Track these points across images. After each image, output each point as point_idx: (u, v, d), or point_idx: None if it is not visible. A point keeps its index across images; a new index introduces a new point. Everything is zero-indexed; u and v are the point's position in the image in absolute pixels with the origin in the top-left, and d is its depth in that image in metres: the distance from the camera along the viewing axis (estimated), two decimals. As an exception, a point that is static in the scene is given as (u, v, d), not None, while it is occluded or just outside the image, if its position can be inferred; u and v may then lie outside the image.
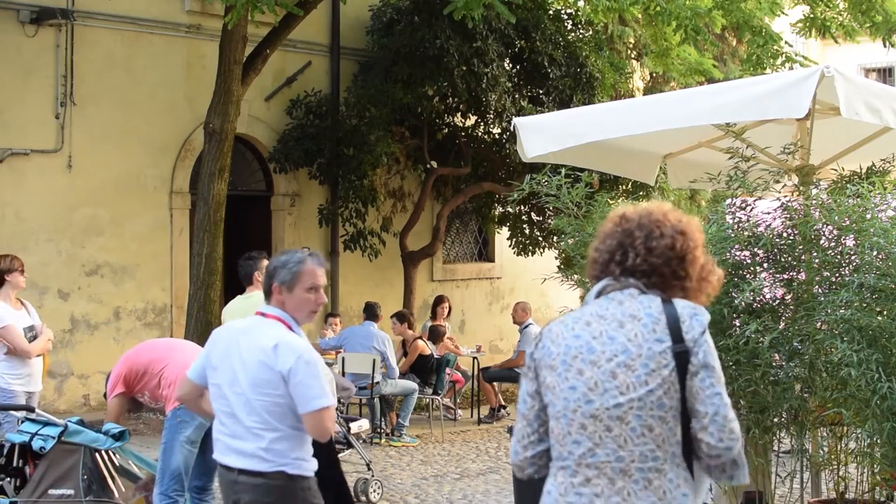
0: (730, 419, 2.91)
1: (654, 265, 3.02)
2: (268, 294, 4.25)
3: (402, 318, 12.50)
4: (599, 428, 2.89)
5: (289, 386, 4.08)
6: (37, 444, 6.15)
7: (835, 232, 5.63)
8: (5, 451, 6.37)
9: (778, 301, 5.76)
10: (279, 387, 4.09)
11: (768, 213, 5.79)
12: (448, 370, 12.58)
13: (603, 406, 2.89)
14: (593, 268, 3.13)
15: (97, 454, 6.21)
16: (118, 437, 6.30)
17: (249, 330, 4.25)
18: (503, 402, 13.43)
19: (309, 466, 4.21)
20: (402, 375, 11.77)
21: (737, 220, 5.83)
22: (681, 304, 2.98)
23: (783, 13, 13.17)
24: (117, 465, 6.34)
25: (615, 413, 2.88)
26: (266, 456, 4.12)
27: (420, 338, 12.39)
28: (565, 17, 14.79)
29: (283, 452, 4.13)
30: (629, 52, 16.86)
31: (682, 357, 2.89)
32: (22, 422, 6.44)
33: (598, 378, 2.91)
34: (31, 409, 6.61)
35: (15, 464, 6.25)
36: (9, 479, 6.23)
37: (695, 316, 2.97)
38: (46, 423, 6.31)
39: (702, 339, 2.94)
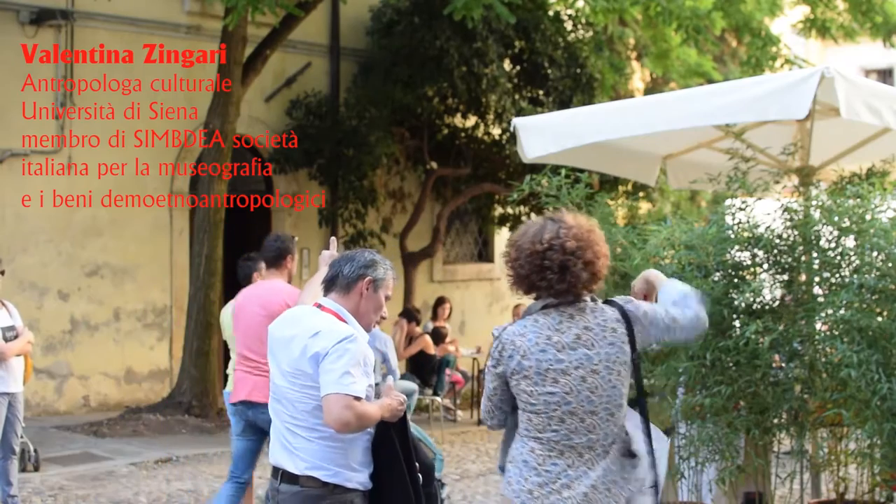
0: None
1: (589, 279, 3.61)
2: (351, 284, 3.97)
3: (411, 316, 12.51)
4: (575, 420, 3.57)
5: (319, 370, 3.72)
6: None
7: (835, 233, 5.61)
8: None
9: (778, 302, 5.75)
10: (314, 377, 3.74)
11: (768, 214, 5.77)
12: (448, 371, 12.58)
13: (579, 405, 3.57)
14: (538, 291, 3.64)
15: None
16: None
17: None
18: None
19: (352, 477, 3.78)
20: (402, 376, 11.76)
21: (737, 220, 5.82)
22: (629, 307, 3.67)
23: (783, 14, 13.19)
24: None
25: (588, 408, 3.58)
26: (302, 455, 3.76)
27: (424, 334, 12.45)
28: (565, 17, 14.78)
29: (320, 455, 3.75)
30: (629, 52, 16.85)
31: (636, 360, 3.70)
32: None
33: (572, 384, 3.56)
34: None
35: None
36: None
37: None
38: None
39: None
